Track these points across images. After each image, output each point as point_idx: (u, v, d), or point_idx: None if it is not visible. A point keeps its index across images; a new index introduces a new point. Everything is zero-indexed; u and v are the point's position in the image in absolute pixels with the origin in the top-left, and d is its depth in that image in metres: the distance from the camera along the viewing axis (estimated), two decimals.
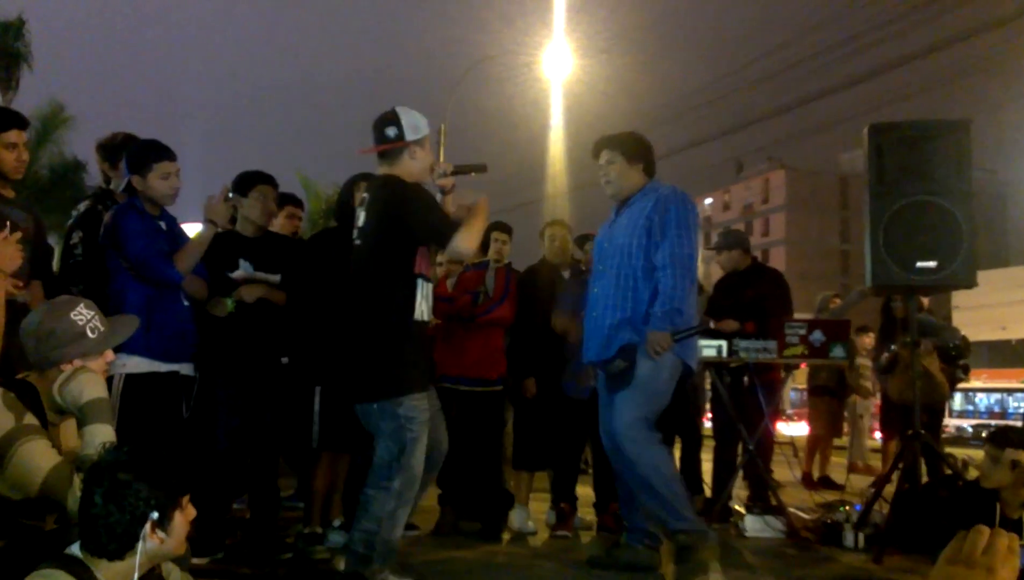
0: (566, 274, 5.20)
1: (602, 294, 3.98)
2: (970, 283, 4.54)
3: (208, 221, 3.71)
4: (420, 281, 3.36)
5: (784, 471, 6.21)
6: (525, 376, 4.96)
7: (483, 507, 4.91)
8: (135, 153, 3.76)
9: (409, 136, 3.37)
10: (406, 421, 3.24)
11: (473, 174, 3.64)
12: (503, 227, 5.14)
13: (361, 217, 3.46)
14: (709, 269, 6.13)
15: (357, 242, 3.46)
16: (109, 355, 2.46)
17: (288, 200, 5.14)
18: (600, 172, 4.07)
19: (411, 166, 3.39)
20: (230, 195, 3.90)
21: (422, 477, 3.34)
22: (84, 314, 2.40)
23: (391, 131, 3.38)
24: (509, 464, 5.17)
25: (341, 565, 3.38)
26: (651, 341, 3.75)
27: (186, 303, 3.73)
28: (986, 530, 1.04)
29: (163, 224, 3.73)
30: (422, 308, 3.37)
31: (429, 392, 3.44)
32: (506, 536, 4.82)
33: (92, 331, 2.39)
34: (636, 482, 3.83)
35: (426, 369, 3.53)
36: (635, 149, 4.06)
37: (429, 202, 3.39)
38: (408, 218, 3.29)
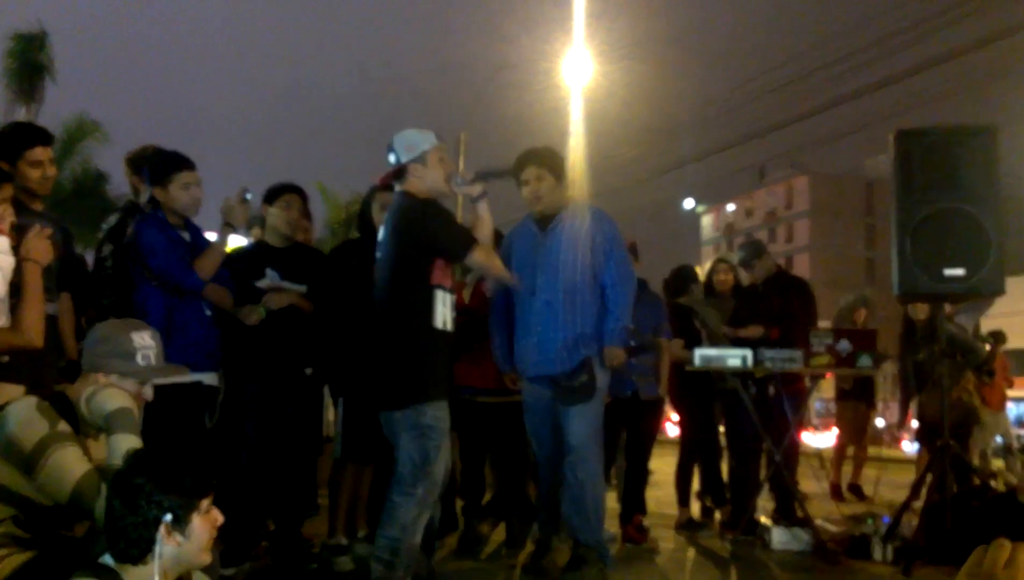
0: None
1: (549, 309, 4.03)
2: (999, 290, 4.48)
3: (225, 224, 3.77)
4: (439, 291, 3.42)
5: (811, 482, 6.15)
6: None
7: (507, 517, 4.89)
8: (155, 165, 3.79)
9: (405, 157, 3.49)
10: (428, 430, 3.30)
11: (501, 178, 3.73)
12: None
13: (381, 231, 3.60)
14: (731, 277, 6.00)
15: (378, 255, 3.58)
16: (147, 392, 2.47)
17: None
18: (525, 187, 4.15)
19: (418, 184, 3.50)
20: (247, 196, 3.93)
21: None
22: (144, 341, 2.44)
23: (391, 157, 3.55)
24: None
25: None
26: (609, 355, 4.01)
27: (208, 313, 3.74)
28: (1008, 544, 1.02)
29: (186, 235, 3.76)
30: (444, 318, 3.43)
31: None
32: (530, 546, 4.80)
33: (142, 358, 2.42)
34: (571, 492, 3.96)
35: (447, 379, 3.56)
36: (561, 168, 4.22)
37: (443, 220, 3.50)
38: (423, 237, 3.41)
